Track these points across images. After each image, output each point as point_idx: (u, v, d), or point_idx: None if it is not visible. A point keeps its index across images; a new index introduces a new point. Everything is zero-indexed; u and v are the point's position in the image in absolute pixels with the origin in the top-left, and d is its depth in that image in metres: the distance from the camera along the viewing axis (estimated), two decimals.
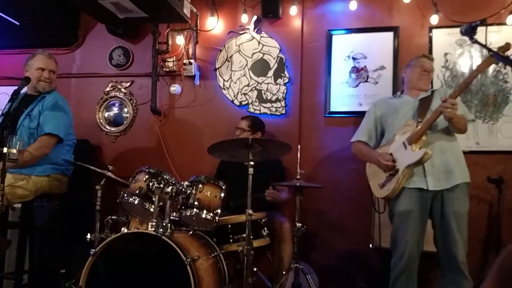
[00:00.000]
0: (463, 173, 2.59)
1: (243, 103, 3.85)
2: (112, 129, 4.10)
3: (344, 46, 3.69)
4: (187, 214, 2.58)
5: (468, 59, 3.47)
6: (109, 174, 2.78)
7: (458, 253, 2.45)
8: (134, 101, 4.08)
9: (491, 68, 3.42)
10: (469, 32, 2.19)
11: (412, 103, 2.73)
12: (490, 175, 3.22)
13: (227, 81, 3.90)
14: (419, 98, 2.73)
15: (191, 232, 2.66)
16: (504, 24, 3.37)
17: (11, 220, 3.21)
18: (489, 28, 3.34)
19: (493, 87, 3.41)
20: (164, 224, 2.39)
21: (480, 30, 2.35)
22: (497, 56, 2.36)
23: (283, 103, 3.77)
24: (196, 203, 2.57)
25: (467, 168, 2.63)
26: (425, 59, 2.87)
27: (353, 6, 3.60)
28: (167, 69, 3.95)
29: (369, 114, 2.91)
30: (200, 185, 2.62)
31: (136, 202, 2.56)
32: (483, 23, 2.22)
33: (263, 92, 3.82)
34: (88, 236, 2.63)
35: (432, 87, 3.07)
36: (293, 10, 3.72)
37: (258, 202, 2.63)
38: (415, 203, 2.54)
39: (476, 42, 2.20)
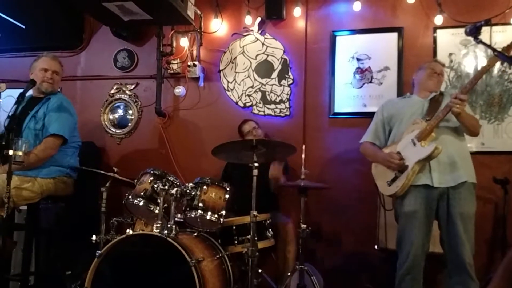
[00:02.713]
0: (469, 173, 2.58)
1: (247, 104, 3.86)
2: (117, 131, 4.12)
3: (348, 47, 3.69)
4: (192, 215, 2.58)
5: (473, 59, 3.45)
6: (115, 176, 2.79)
7: (464, 255, 2.44)
8: (139, 103, 4.10)
9: (496, 68, 3.41)
10: (474, 32, 2.18)
11: (421, 103, 2.73)
12: (496, 176, 3.20)
13: (231, 83, 3.91)
14: (428, 98, 2.72)
15: (196, 234, 2.67)
16: (509, 24, 3.36)
17: (17, 222, 3.24)
18: (494, 28, 3.33)
19: (498, 87, 3.40)
20: (169, 225, 2.40)
21: (485, 30, 2.32)
22: (502, 56, 2.36)
23: (287, 104, 3.78)
24: (200, 204, 2.58)
25: (473, 169, 2.62)
26: (436, 63, 2.88)
27: (357, 7, 3.60)
28: (172, 71, 3.96)
29: (377, 115, 2.91)
30: (204, 187, 2.63)
31: (141, 203, 2.57)
32: (488, 23, 2.20)
33: (267, 93, 3.82)
34: (94, 237, 2.64)
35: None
36: (297, 11, 3.72)
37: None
38: (421, 203, 2.54)
39: (481, 42, 2.19)
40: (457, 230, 2.46)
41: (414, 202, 2.55)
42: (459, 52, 3.47)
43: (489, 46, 2.27)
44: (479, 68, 3.39)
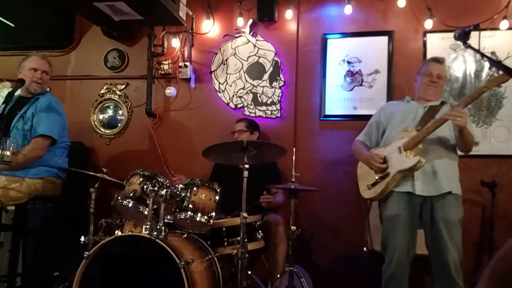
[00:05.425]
0: (453, 184, 2.53)
1: (239, 106, 3.86)
2: (107, 131, 4.09)
3: (339, 50, 3.71)
4: (182, 217, 2.57)
5: (462, 64, 3.49)
6: (104, 176, 2.77)
7: (449, 261, 2.39)
8: (129, 104, 4.07)
9: (485, 72, 3.45)
10: (463, 37, 2.20)
11: (415, 109, 2.69)
12: (484, 179, 3.24)
13: (222, 84, 3.90)
14: (425, 106, 2.68)
15: (185, 235, 2.66)
16: (497, 29, 3.40)
17: (4, 222, 3.19)
18: (483, 33, 3.36)
19: (486, 92, 3.42)
20: (158, 227, 2.38)
21: (474, 35, 2.37)
22: (490, 61, 2.38)
23: (278, 106, 3.78)
24: (190, 206, 2.56)
25: (458, 182, 2.58)
26: (433, 64, 2.73)
27: (348, 10, 3.61)
28: (163, 72, 3.95)
29: (374, 116, 2.90)
30: (194, 188, 2.61)
31: (130, 205, 2.55)
32: (477, 28, 2.24)
33: (258, 95, 3.83)
34: (82, 238, 2.61)
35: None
36: (289, 14, 3.74)
37: (254, 209, 2.61)
38: (404, 208, 2.51)
39: (470, 47, 2.21)
40: (441, 236, 2.42)
41: (397, 206, 2.53)
42: (448, 56, 3.49)
43: (477, 51, 2.30)
44: (467, 72, 3.47)
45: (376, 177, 2.62)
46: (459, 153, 2.67)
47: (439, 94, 2.76)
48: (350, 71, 3.68)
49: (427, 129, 2.49)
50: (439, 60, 2.76)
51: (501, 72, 2.32)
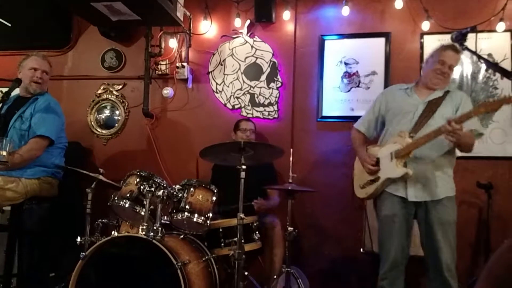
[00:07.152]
0: (447, 189, 2.52)
1: (236, 106, 3.86)
2: (104, 131, 4.08)
3: (337, 51, 3.71)
4: (178, 217, 2.57)
5: (458, 66, 3.48)
6: (100, 177, 2.76)
7: (442, 261, 2.41)
8: (126, 104, 4.07)
9: (481, 74, 3.46)
10: (460, 39, 2.21)
11: (416, 106, 2.60)
12: (480, 181, 3.25)
13: (220, 85, 3.90)
14: (427, 100, 2.59)
15: (182, 236, 2.65)
16: (494, 31, 3.42)
17: (0, 222, 3.18)
18: (479, 35, 3.38)
19: (483, 93, 3.45)
20: (155, 227, 2.38)
21: (471, 37, 2.35)
22: (487, 63, 2.39)
23: (275, 107, 3.78)
24: (187, 206, 2.56)
25: (452, 183, 2.56)
26: (449, 52, 2.58)
27: (345, 11, 3.62)
28: (160, 72, 3.95)
29: (375, 103, 2.82)
30: (191, 189, 2.62)
31: (127, 205, 2.55)
32: (474, 30, 2.23)
33: (255, 96, 3.83)
34: (78, 239, 2.61)
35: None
36: (286, 15, 3.74)
37: (247, 210, 2.61)
38: (399, 208, 2.53)
39: (466, 48, 2.22)
40: (435, 236, 2.44)
41: (391, 206, 2.55)
42: None
43: (474, 53, 2.30)
44: (464, 74, 3.48)
45: (368, 179, 2.65)
46: (456, 154, 2.66)
47: (447, 84, 2.64)
48: (347, 73, 3.68)
49: (419, 140, 2.44)
50: (456, 49, 2.57)
51: (498, 97, 2.30)
